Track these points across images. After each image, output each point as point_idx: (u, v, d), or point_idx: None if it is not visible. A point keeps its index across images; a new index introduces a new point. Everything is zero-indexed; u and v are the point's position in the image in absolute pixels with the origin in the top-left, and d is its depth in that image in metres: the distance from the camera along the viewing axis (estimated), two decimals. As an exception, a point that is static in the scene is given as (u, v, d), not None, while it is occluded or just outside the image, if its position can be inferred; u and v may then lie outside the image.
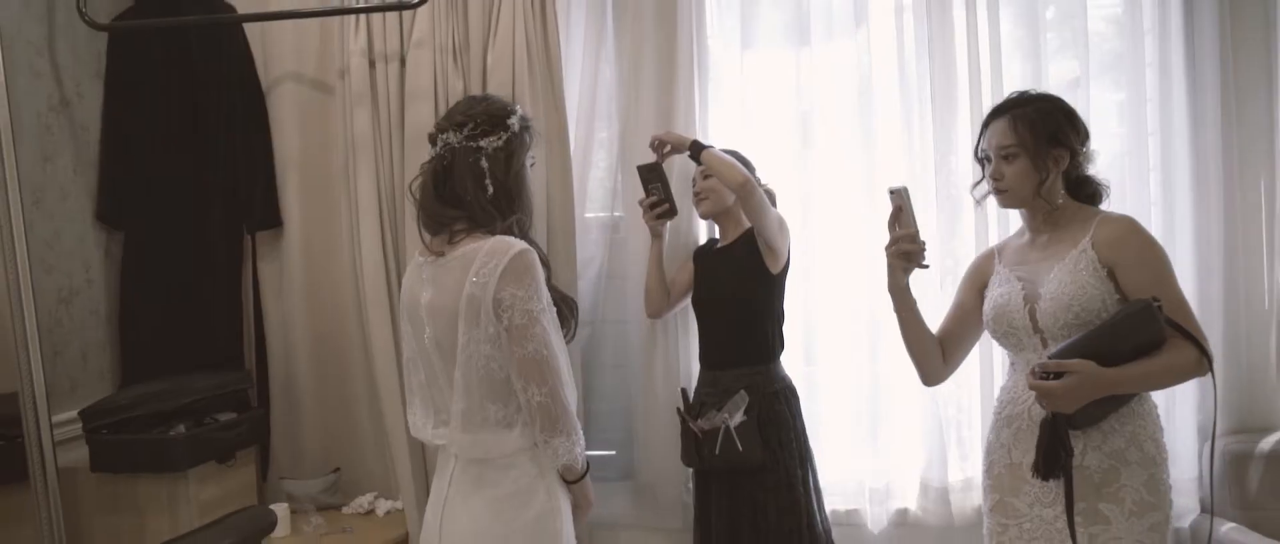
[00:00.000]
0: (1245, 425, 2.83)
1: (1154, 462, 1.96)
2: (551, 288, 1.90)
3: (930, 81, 2.85)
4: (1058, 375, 1.84)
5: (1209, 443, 1.97)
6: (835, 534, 2.83)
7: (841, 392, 2.94)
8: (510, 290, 1.75)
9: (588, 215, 3.06)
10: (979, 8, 2.84)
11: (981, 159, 2.15)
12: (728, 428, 2.58)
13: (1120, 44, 2.89)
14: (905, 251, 2.08)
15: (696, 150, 2.65)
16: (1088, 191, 2.13)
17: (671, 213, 2.77)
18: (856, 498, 2.93)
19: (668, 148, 2.72)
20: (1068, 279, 1.98)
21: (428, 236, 1.92)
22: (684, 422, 2.70)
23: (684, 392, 2.77)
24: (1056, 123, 2.06)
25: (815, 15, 2.95)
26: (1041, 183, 2.06)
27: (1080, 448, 1.94)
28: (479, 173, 1.86)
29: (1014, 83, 2.68)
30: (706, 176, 2.70)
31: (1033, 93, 2.14)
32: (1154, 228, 2.79)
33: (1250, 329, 2.85)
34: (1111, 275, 1.97)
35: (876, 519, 2.91)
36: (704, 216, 2.84)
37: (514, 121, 1.92)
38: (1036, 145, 2.04)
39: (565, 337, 1.93)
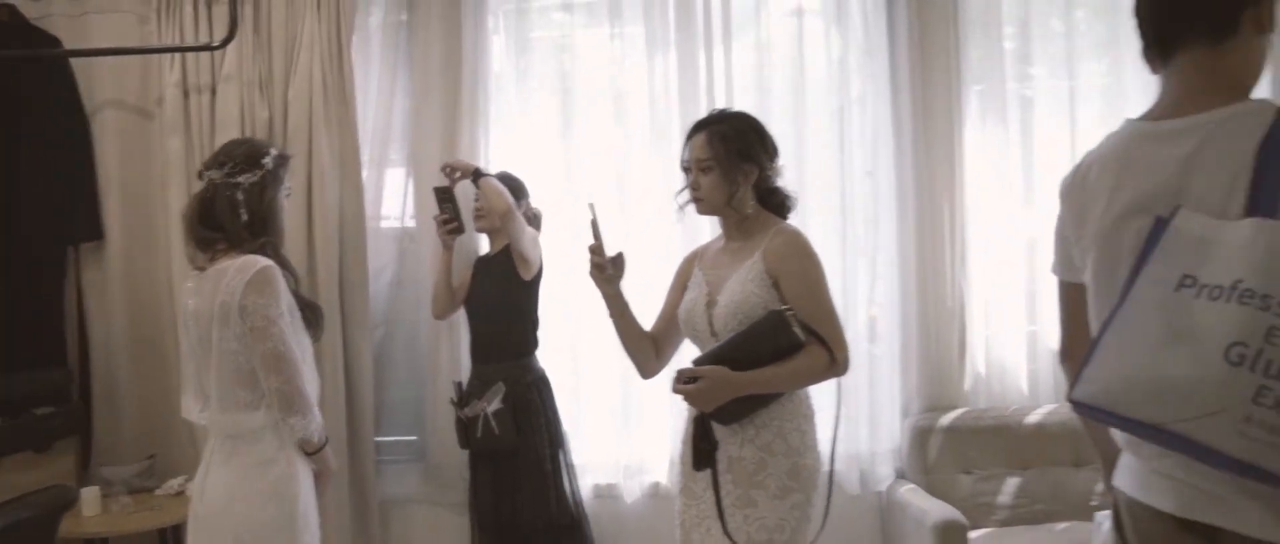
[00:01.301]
0: (934, 405, 3.40)
1: (797, 451, 2.15)
2: (297, 295, 2.31)
3: (680, 113, 3.34)
4: (695, 379, 2.09)
5: (835, 428, 2.23)
6: (596, 505, 3.35)
7: (600, 380, 3.41)
8: (252, 299, 2.16)
9: (383, 226, 3.49)
10: (716, 43, 3.36)
11: (685, 170, 2.32)
12: (486, 414, 3.04)
13: (835, 93, 3.42)
14: (595, 265, 2.27)
15: (476, 177, 3.10)
16: (776, 202, 2.32)
17: (460, 230, 3.21)
18: (614, 473, 3.41)
19: (457, 173, 3.15)
20: (738, 287, 2.18)
21: (195, 254, 2.31)
22: (455, 410, 3.14)
23: (458, 384, 3.20)
24: (748, 140, 2.25)
25: (578, 61, 3.46)
26: (732, 194, 2.24)
27: (738, 441, 2.15)
28: (235, 204, 2.25)
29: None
30: (476, 199, 3.15)
31: (729, 111, 2.37)
32: (866, 241, 3.38)
33: (938, 325, 3.41)
34: (776, 285, 2.16)
35: (631, 491, 3.40)
36: (480, 231, 3.29)
37: (268, 161, 2.31)
38: (728, 159, 2.22)
39: (313, 335, 2.35)
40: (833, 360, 2.13)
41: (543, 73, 3.53)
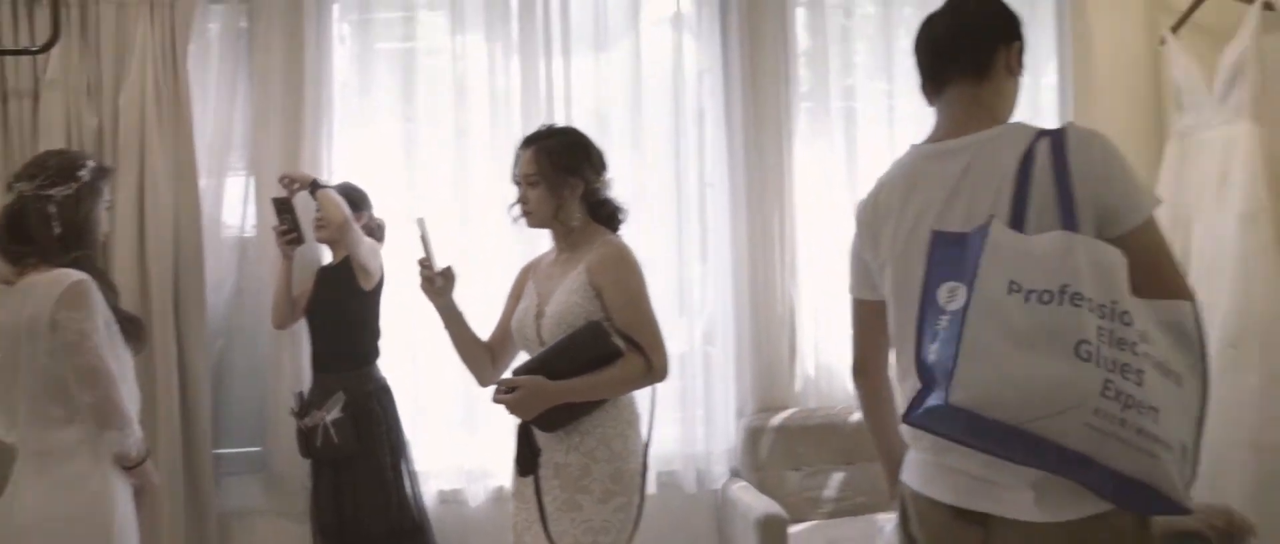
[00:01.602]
0: (767, 405, 3.57)
1: (620, 457, 2.23)
2: (116, 308, 2.29)
3: (521, 125, 3.41)
4: (514, 389, 2.17)
5: (648, 431, 2.29)
6: (441, 511, 3.40)
7: (443, 387, 3.45)
8: (65, 313, 2.13)
9: (224, 236, 3.45)
10: (555, 55, 3.46)
11: (516, 183, 2.37)
12: (326, 424, 3.06)
13: (673, 108, 3.56)
14: (425, 278, 2.32)
15: (314, 188, 3.10)
16: (606, 213, 2.38)
17: (299, 240, 3.20)
18: (458, 479, 3.46)
19: (295, 184, 3.15)
20: (563, 298, 2.24)
21: (3, 268, 2.26)
22: (295, 420, 3.14)
23: (299, 394, 3.20)
24: (573, 155, 2.32)
25: (422, 73, 3.51)
26: (558, 207, 2.30)
27: (564, 448, 2.22)
28: (47, 217, 2.21)
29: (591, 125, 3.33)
30: (317, 210, 3.16)
31: (557, 126, 2.45)
32: (703, 250, 3.53)
33: (770, 329, 3.59)
34: (599, 296, 2.22)
35: (475, 496, 3.45)
36: (320, 241, 3.30)
37: (84, 173, 2.28)
38: (554, 174, 2.28)
39: (133, 349, 2.33)
40: (650, 367, 2.20)
41: (387, 84, 3.54)
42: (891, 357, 1.79)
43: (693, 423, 3.52)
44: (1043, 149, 1.54)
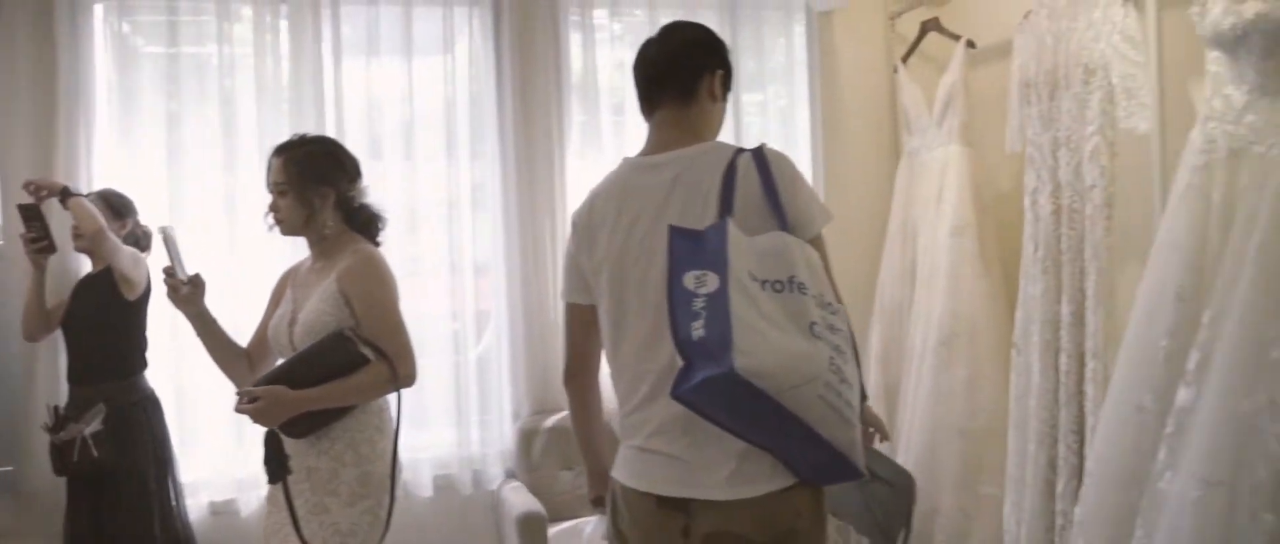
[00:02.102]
0: (541, 408, 3.72)
1: (368, 460, 2.28)
2: None
3: (289, 131, 3.39)
4: (256, 398, 2.17)
5: (395, 435, 2.32)
6: (214, 522, 3.37)
7: (213, 397, 3.39)
8: None
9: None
10: (326, 67, 3.50)
11: (269, 191, 2.38)
12: (84, 437, 2.97)
13: (445, 121, 3.65)
14: (170, 287, 2.33)
15: (64, 196, 3.01)
16: (364, 220, 2.43)
17: (51, 249, 3.08)
18: (230, 489, 3.44)
19: (43, 191, 3.03)
20: (315, 306, 2.28)
21: None
22: (49, 435, 3.04)
23: (54, 408, 3.09)
24: (323, 165, 2.35)
25: (188, 78, 3.46)
26: (309, 216, 2.34)
27: (314, 452, 2.26)
28: None
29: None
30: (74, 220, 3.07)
31: (309, 136, 2.45)
32: (480, 258, 3.64)
33: (544, 335, 3.74)
34: (349, 304, 2.27)
35: (248, 505, 3.44)
36: (78, 251, 3.20)
37: None
38: (303, 183, 2.32)
39: None
40: (395, 375, 2.26)
41: (152, 87, 3.47)
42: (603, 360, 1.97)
43: (469, 427, 3.63)
44: (744, 163, 1.75)
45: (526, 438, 3.61)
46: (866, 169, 3.84)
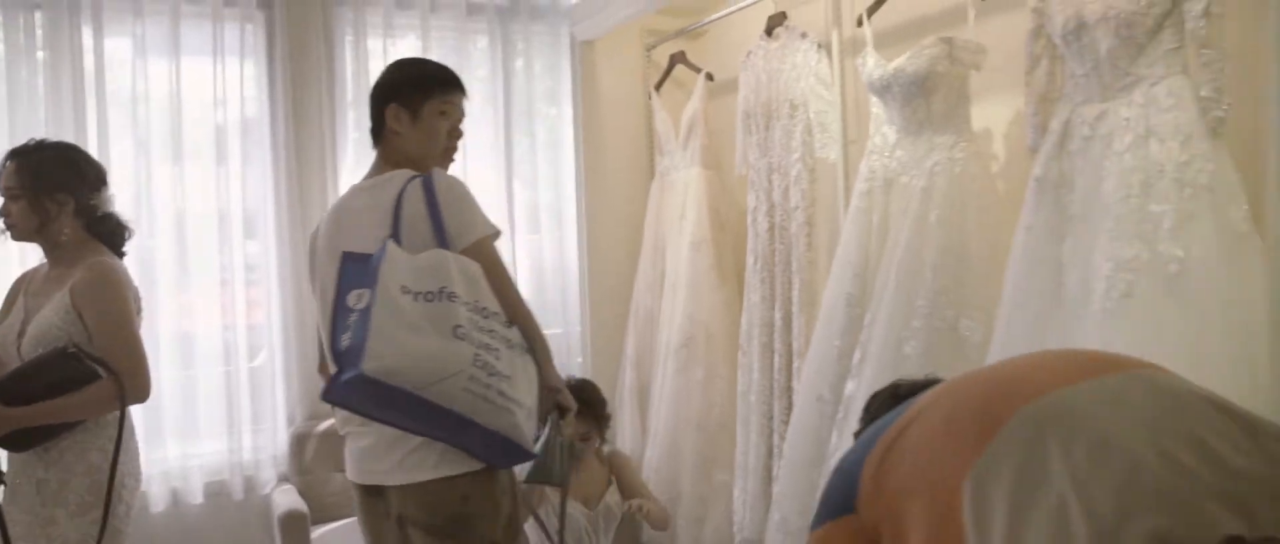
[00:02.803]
0: (314, 413, 3.86)
1: (98, 470, 2.26)
2: None
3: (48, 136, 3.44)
4: None
5: (115, 450, 2.24)
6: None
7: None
8: None
9: None
10: (90, 87, 3.53)
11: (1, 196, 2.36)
12: None
13: (212, 137, 3.75)
14: None
15: None
16: (108, 229, 2.42)
17: None
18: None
19: None
20: (46, 316, 2.27)
21: None
22: None
23: None
24: (59, 171, 2.33)
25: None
26: (42, 222, 2.31)
27: (43, 465, 2.25)
28: None
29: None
30: None
31: (47, 141, 2.41)
32: (245, 273, 3.74)
33: (316, 343, 3.88)
34: (81, 318, 2.26)
35: None
36: None
37: None
38: (36, 189, 2.30)
39: None
40: (123, 391, 2.23)
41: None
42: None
43: (241, 433, 3.72)
44: (413, 188, 2.01)
45: (299, 443, 3.74)
46: (624, 187, 4.17)
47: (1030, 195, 2.29)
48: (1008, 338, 2.26)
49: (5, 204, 2.34)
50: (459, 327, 1.89)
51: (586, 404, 2.84)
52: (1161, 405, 1.12)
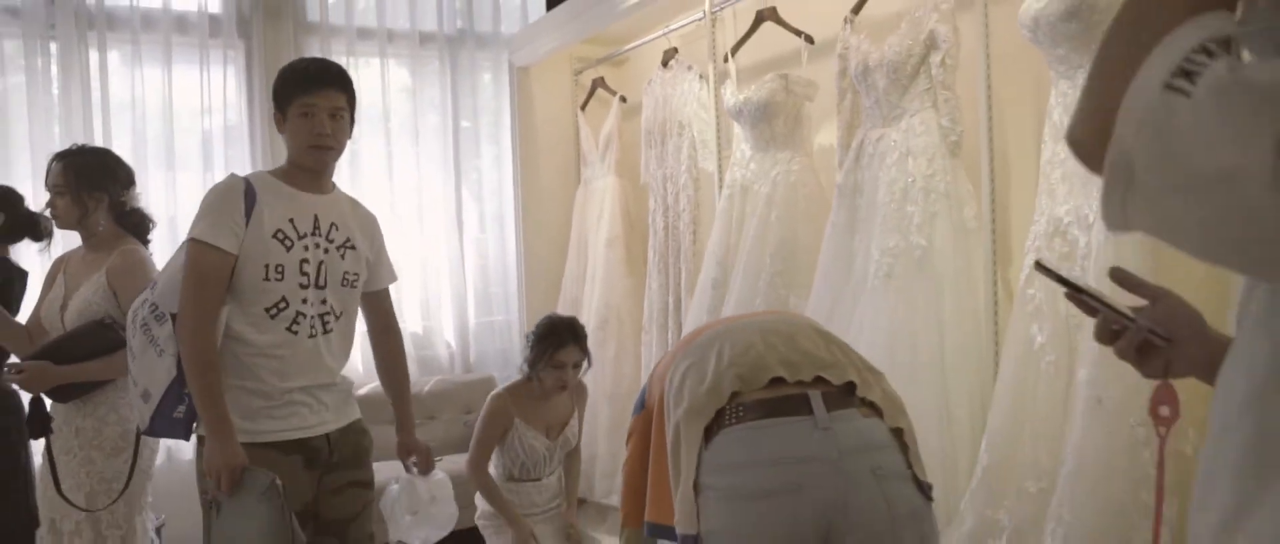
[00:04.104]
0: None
1: (127, 420, 2.72)
2: None
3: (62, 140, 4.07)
4: (23, 370, 2.69)
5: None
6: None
7: None
8: None
9: None
10: (94, 89, 4.17)
11: (48, 191, 2.82)
12: None
13: (198, 139, 4.40)
14: None
15: None
16: (134, 222, 2.86)
17: None
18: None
19: None
20: (85, 294, 2.74)
21: None
22: None
23: None
24: (96, 172, 2.79)
25: None
26: (82, 216, 2.78)
27: (81, 414, 2.74)
28: None
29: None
30: None
31: (89, 147, 2.92)
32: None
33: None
34: (115, 295, 2.72)
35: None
36: None
37: None
38: (77, 187, 2.75)
39: None
40: None
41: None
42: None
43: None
44: None
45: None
46: (555, 194, 4.83)
47: (835, 200, 2.96)
48: (815, 308, 2.92)
49: (52, 199, 2.82)
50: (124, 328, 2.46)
51: (576, 338, 3.08)
52: (777, 322, 1.84)
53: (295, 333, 2.29)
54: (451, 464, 4.23)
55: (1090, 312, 1.06)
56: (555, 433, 3.13)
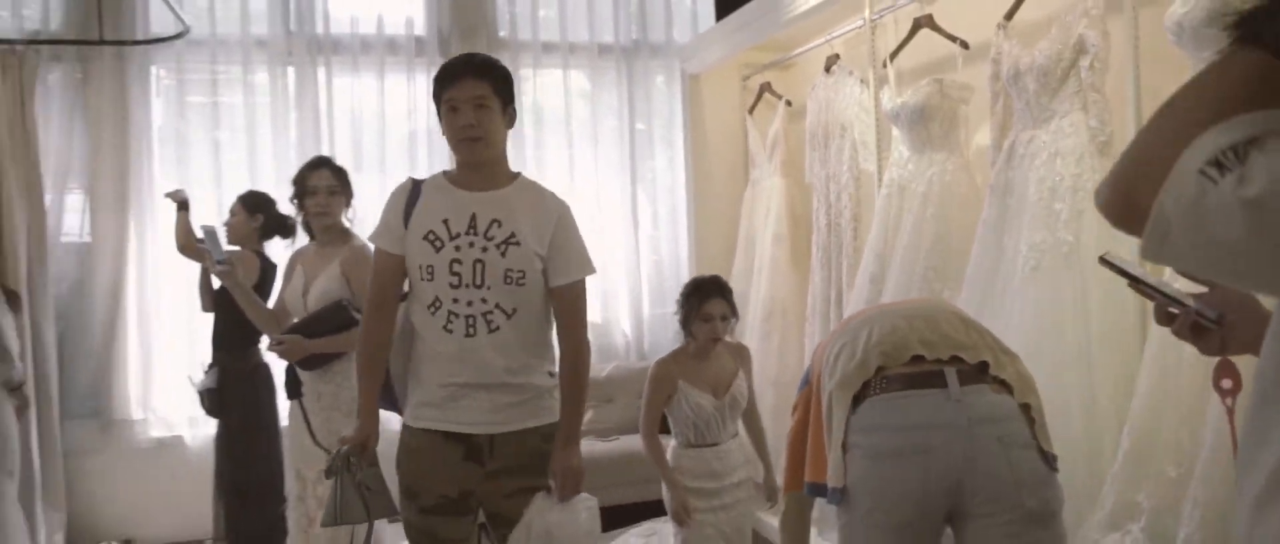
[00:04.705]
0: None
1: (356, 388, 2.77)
2: (3, 287, 3.47)
3: (297, 159, 4.72)
4: (282, 343, 3.27)
5: None
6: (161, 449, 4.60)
7: (174, 354, 4.69)
8: None
9: (65, 240, 4.59)
10: (323, 116, 4.80)
11: (314, 192, 3.43)
12: (200, 390, 3.90)
13: (406, 145, 4.97)
14: (222, 272, 3.50)
15: (181, 207, 4.08)
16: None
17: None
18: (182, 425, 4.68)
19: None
20: (323, 283, 3.31)
21: None
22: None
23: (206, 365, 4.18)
24: (347, 179, 3.46)
25: (224, 120, 4.77)
26: (336, 214, 3.40)
27: (324, 380, 3.29)
28: None
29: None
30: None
31: (335, 164, 3.47)
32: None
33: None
34: (348, 282, 3.27)
35: (194, 438, 4.65)
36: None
37: None
38: (339, 189, 3.41)
39: (14, 312, 3.52)
40: None
41: (196, 125, 4.78)
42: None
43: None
44: None
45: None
46: (725, 194, 5.13)
47: (987, 198, 3.12)
48: (966, 300, 3.10)
49: (321, 197, 3.39)
50: None
51: (721, 291, 3.23)
52: (921, 307, 2.08)
53: (450, 331, 2.35)
54: (627, 443, 4.66)
55: (1152, 299, 1.27)
56: (722, 392, 3.19)
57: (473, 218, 2.38)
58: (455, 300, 2.35)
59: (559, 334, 2.51)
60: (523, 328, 2.41)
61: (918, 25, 3.59)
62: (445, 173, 2.50)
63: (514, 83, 2.46)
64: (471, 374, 2.38)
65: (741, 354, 3.36)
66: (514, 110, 2.45)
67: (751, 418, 3.39)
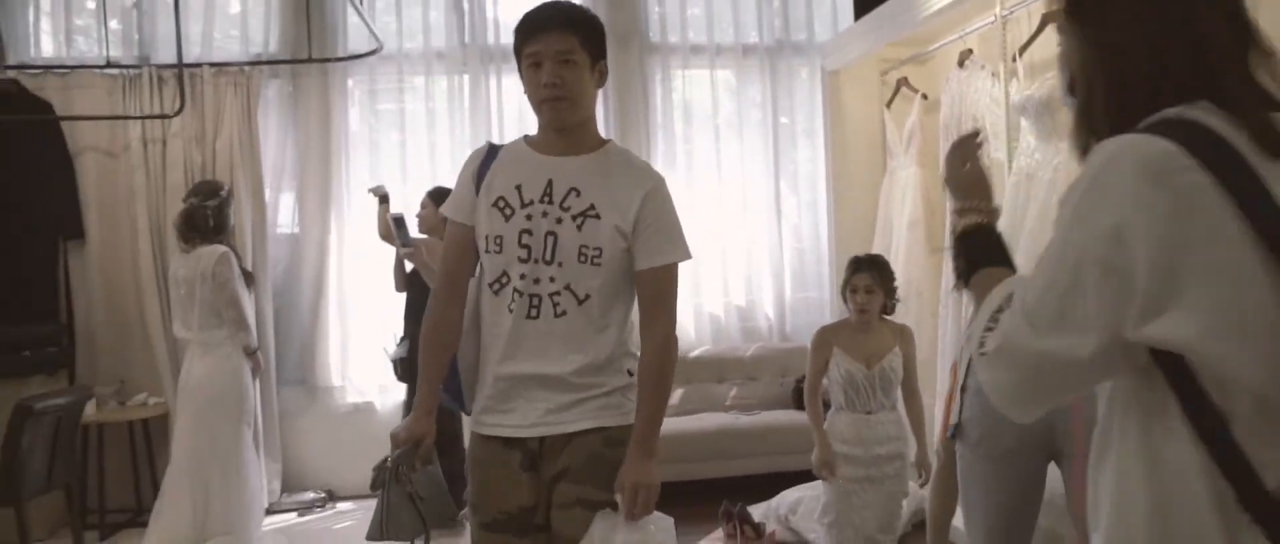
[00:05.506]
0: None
1: None
2: (242, 268, 4.15)
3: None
4: None
5: None
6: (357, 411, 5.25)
7: (365, 327, 5.29)
8: (219, 269, 4.00)
9: (279, 232, 5.32)
10: (493, 129, 5.35)
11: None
12: (392, 359, 4.84)
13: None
14: (409, 256, 4.43)
15: (382, 201, 4.85)
16: None
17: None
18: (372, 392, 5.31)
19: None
20: None
21: (182, 243, 4.12)
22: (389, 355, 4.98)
23: (400, 337, 5.01)
24: None
25: (410, 126, 5.39)
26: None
27: None
28: (206, 216, 4.09)
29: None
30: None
31: None
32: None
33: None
34: None
35: (382, 404, 5.29)
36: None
37: (223, 193, 4.16)
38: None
39: (250, 288, 4.20)
40: None
41: (386, 129, 5.43)
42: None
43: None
44: None
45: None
46: (863, 183, 5.39)
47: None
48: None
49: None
50: None
51: (870, 265, 3.36)
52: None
53: (512, 311, 2.03)
54: (770, 418, 5.04)
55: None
56: (873, 363, 3.34)
57: (548, 184, 2.04)
58: (522, 277, 2.02)
59: (641, 326, 2.08)
60: (593, 317, 2.04)
61: (1046, 20, 3.78)
62: (526, 137, 2.17)
63: (606, 38, 2.13)
64: (526, 363, 2.03)
65: (903, 334, 3.50)
66: (605, 67, 2.10)
67: (911, 396, 3.53)
